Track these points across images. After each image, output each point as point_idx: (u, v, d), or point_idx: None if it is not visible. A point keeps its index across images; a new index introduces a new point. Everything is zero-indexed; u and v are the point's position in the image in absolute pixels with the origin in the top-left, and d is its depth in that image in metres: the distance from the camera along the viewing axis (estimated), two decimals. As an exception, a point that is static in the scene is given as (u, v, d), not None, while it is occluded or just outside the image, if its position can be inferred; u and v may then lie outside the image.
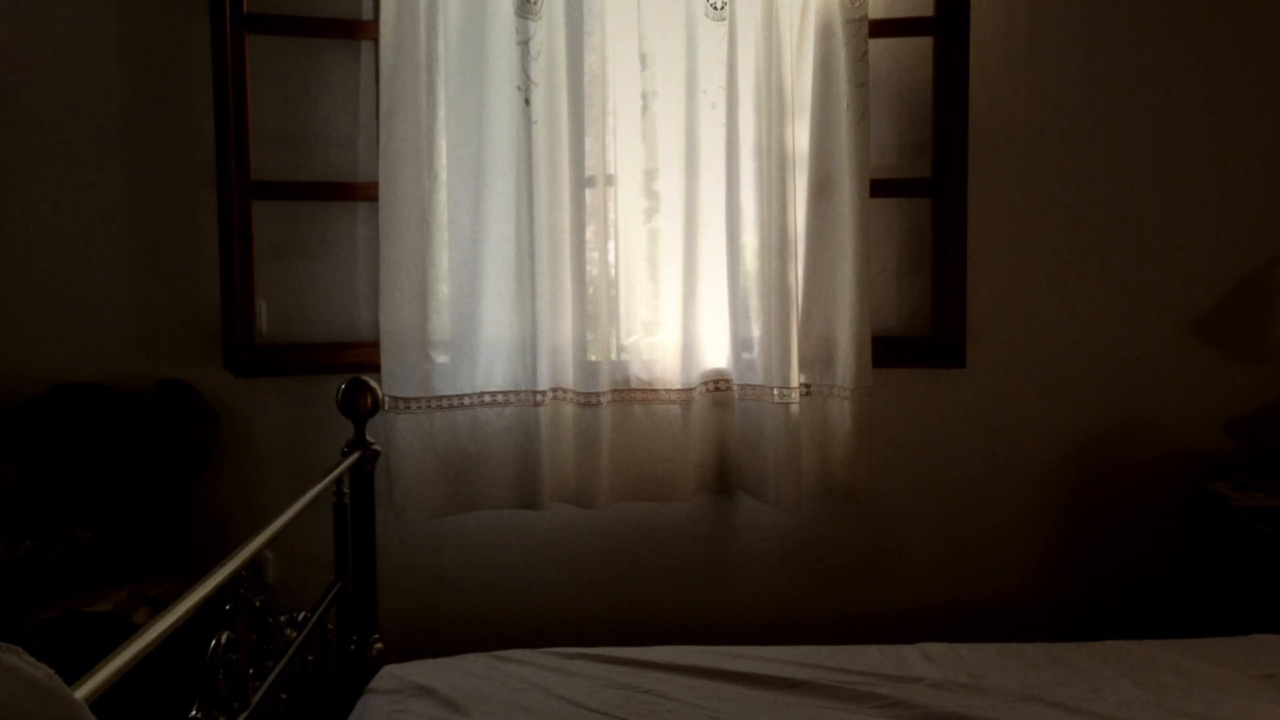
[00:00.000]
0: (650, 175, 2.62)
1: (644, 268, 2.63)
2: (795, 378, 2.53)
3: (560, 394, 2.56)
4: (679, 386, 2.56)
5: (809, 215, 2.59)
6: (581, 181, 2.47)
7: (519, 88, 2.47)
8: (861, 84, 2.51)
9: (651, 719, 1.80)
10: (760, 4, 2.50)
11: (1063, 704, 1.83)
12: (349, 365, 2.52)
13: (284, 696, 1.69)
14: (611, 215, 2.54)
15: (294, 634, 1.77)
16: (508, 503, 2.55)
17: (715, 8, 2.51)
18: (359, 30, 2.59)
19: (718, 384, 2.64)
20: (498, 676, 1.98)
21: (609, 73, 2.50)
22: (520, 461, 2.54)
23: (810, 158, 2.57)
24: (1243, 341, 2.79)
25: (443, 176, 2.51)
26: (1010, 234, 2.76)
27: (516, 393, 2.54)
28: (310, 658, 1.87)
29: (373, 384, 2.18)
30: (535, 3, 2.45)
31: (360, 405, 2.15)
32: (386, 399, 2.42)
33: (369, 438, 2.18)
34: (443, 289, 2.54)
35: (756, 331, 2.61)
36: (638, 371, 2.60)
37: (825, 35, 2.54)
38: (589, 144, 2.47)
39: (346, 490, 2.10)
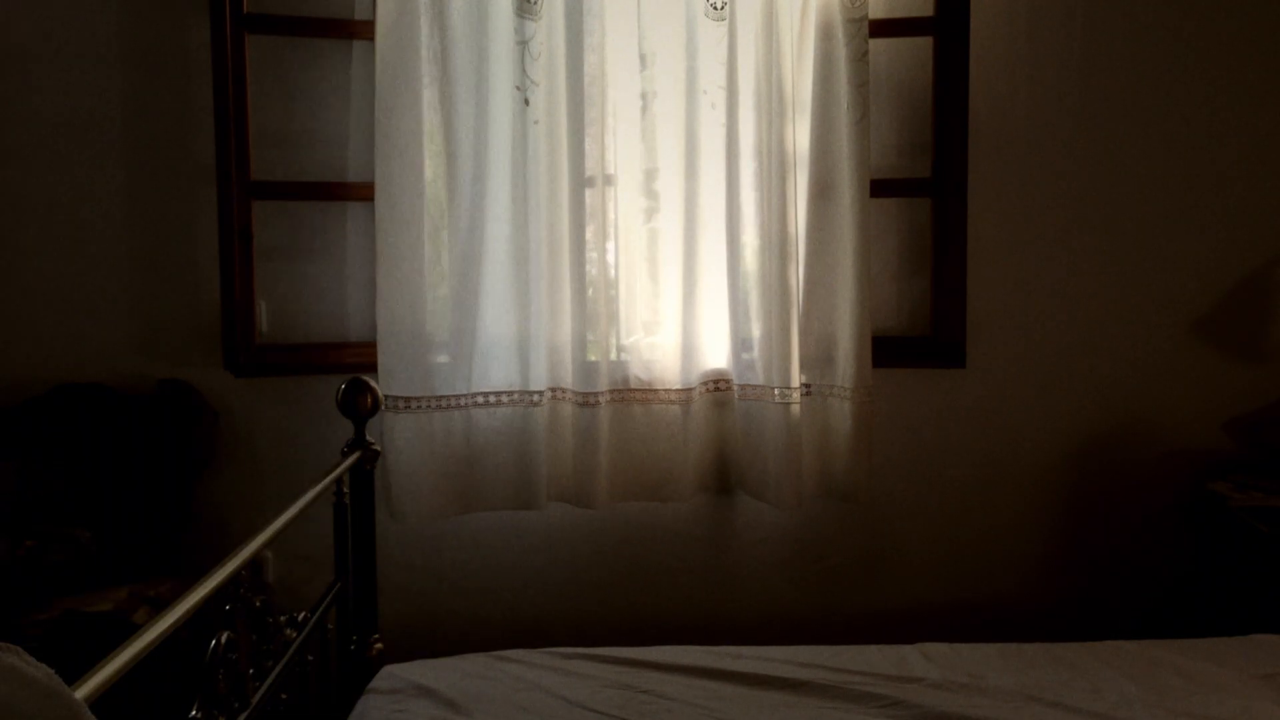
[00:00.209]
0: (650, 175, 2.62)
1: (644, 268, 2.63)
2: (795, 378, 2.53)
3: (559, 394, 2.56)
4: (679, 386, 2.56)
5: (809, 215, 2.59)
6: (581, 181, 2.47)
7: (518, 87, 2.47)
8: (862, 84, 2.51)
9: (651, 719, 1.80)
10: (760, 4, 2.50)
11: (1063, 704, 1.83)
12: (349, 365, 2.52)
13: (284, 696, 1.69)
14: (611, 215, 2.54)
15: (294, 634, 1.77)
16: (506, 504, 2.55)
17: (715, 8, 2.51)
18: (358, 30, 2.59)
19: (718, 384, 2.64)
20: (498, 676, 1.98)
21: (609, 73, 2.50)
22: (519, 462, 2.54)
23: (810, 158, 2.57)
24: (1243, 341, 2.79)
25: (441, 176, 2.51)
26: (1010, 234, 2.76)
27: (515, 393, 2.54)
28: (310, 658, 1.87)
29: (372, 384, 2.18)
30: (535, 2, 2.45)
31: (360, 405, 2.14)
32: (385, 399, 2.41)
33: (369, 438, 2.18)
34: (442, 289, 2.54)
35: (756, 331, 2.61)
36: (637, 371, 2.59)
37: (825, 35, 2.54)
38: (589, 144, 2.47)
39: (346, 490, 2.10)
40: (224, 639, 1.39)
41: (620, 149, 2.54)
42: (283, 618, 1.74)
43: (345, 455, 2.10)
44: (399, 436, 2.46)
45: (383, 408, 2.36)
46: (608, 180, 2.52)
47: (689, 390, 2.57)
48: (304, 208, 2.64)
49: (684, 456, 2.57)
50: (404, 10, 2.42)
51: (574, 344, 2.51)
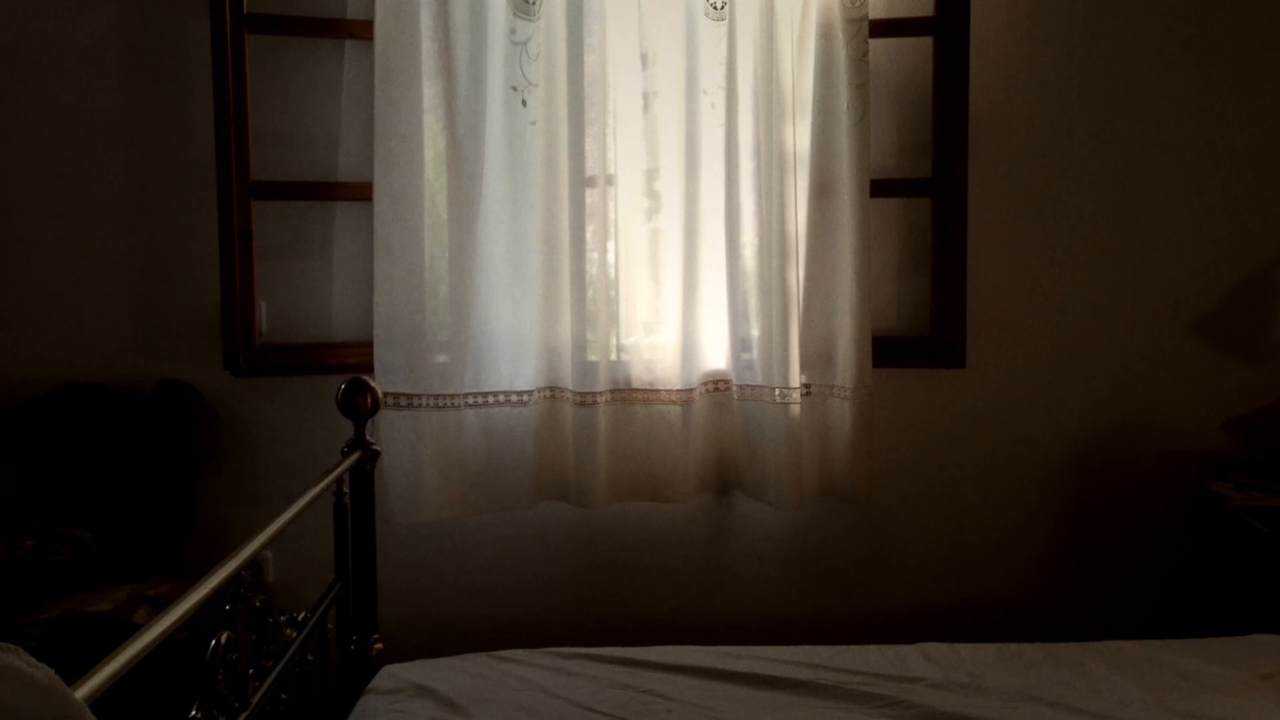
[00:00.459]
0: (650, 175, 2.62)
1: (644, 268, 2.63)
2: (795, 378, 2.53)
3: (558, 394, 2.56)
4: (679, 387, 2.56)
5: (809, 215, 2.59)
6: (581, 181, 2.47)
7: (514, 88, 2.48)
8: (861, 84, 2.51)
9: (651, 719, 1.80)
10: (760, 4, 2.50)
11: (1063, 704, 1.83)
12: (349, 365, 2.52)
13: (284, 696, 1.69)
14: (611, 215, 2.54)
15: (294, 634, 1.77)
16: (506, 504, 2.55)
17: (715, 8, 2.51)
18: (358, 30, 2.59)
19: (718, 384, 2.64)
20: (498, 676, 1.98)
21: (609, 73, 2.50)
22: (518, 462, 2.54)
23: (810, 158, 2.57)
24: (1243, 341, 2.79)
25: (440, 175, 2.51)
26: (1010, 234, 2.76)
27: (515, 392, 2.54)
28: (310, 658, 1.87)
29: (372, 383, 2.17)
30: (533, 3, 2.45)
31: (360, 405, 2.14)
32: (383, 396, 2.41)
33: (369, 438, 2.18)
34: (440, 288, 2.54)
35: (756, 332, 2.61)
36: (637, 372, 2.59)
37: (825, 35, 2.54)
38: (589, 144, 2.47)
39: (346, 490, 2.10)
40: (224, 639, 1.39)
41: (620, 149, 2.54)
42: (283, 618, 1.74)
43: (345, 455, 2.10)
44: (398, 436, 2.45)
45: (382, 406, 2.36)
46: (608, 180, 2.52)
47: (689, 390, 2.57)
48: (304, 208, 2.64)
49: (684, 457, 2.57)
50: (402, 9, 2.42)
51: (573, 344, 2.51)
